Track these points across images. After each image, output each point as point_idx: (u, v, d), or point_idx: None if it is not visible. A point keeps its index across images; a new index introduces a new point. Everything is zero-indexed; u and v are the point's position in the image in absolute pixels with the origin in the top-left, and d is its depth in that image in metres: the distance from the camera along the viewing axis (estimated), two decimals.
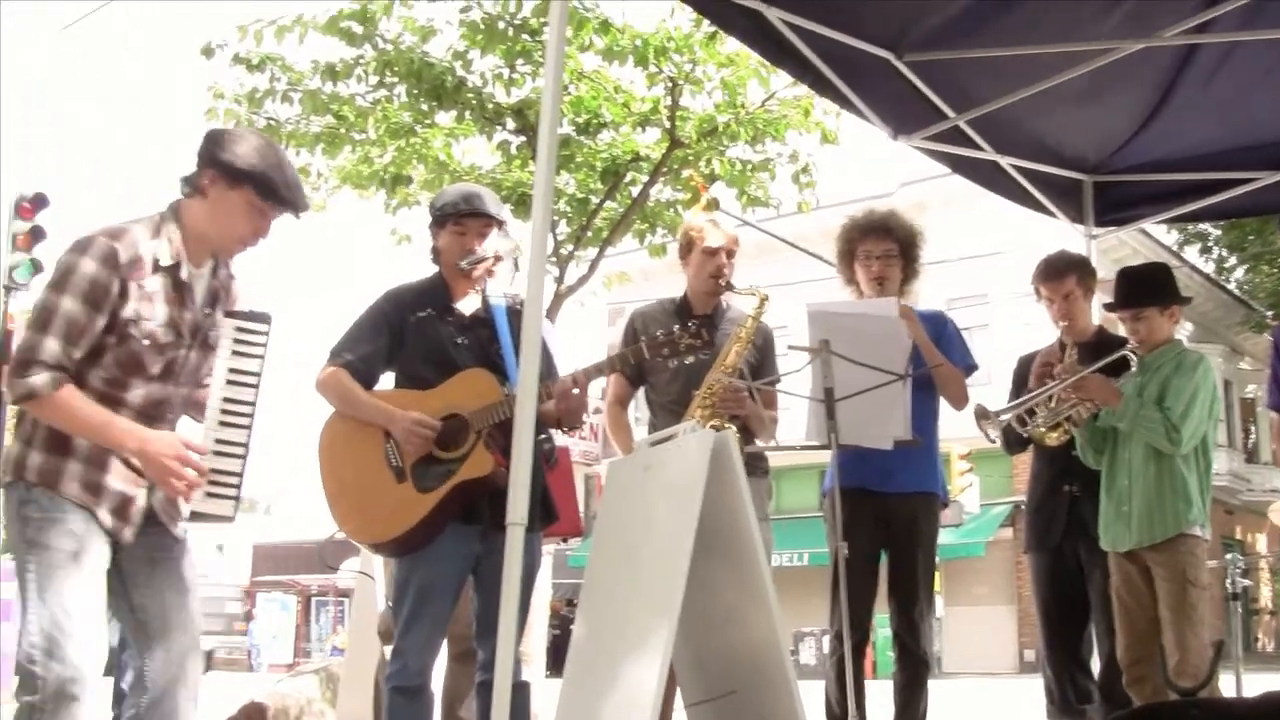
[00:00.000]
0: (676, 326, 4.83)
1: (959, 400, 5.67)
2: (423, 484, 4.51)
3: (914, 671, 5.48)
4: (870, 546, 5.46)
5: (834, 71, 6.03)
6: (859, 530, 5.21)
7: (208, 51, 10.18)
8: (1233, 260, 31.83)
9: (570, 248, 10.74)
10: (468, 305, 4.83)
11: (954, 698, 16.02)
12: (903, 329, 5.19)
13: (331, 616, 42.41)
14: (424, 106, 10.17)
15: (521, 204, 10.24)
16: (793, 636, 24.45)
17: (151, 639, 3.74)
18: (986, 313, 27.46)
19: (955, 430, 6.16)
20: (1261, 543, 34.76)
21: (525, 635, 5.08)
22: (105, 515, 3.65)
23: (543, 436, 4.82)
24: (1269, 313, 30.38)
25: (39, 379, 3.53)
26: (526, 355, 4.04)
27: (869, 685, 5.42)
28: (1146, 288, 5.45)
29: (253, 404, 3.83)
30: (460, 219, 4.75)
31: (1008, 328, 24.49)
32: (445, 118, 10.49)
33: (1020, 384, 5.75)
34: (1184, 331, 27.93)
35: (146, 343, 3.70)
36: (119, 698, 5.51)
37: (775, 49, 5.87)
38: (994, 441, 5.56)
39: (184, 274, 3.81)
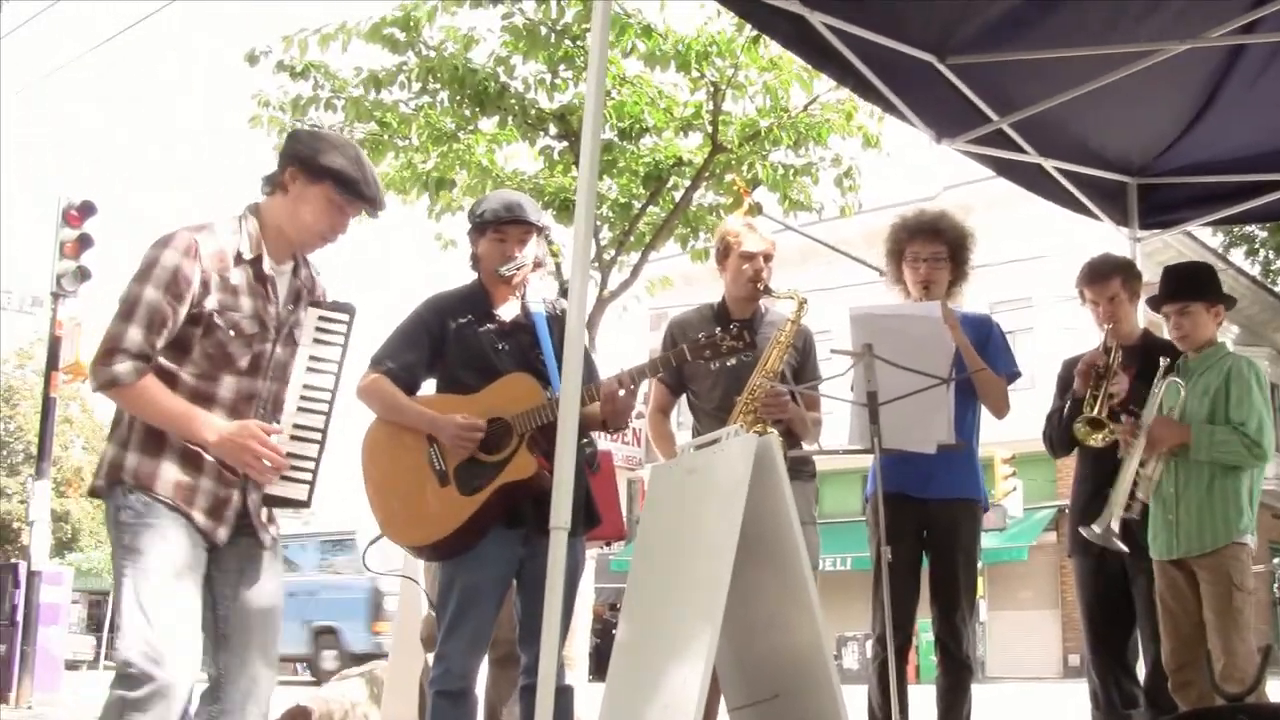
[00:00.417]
0: (718, 329, 4.83)
1: (1000, 408, 5.63)
2: (466, 487, 4.53)
3: (957, 676, 5.46)
4: (912, 551, 5.44)
5: (877, 75, 6.02)
6: (901, 535, 5.19)
7: (252, 59, 10.25)
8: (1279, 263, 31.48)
9: (613, 253, 10.75)
10: (508, 311, 4.86)
11: (998, 702, 15.93)
12: (946, 332, 5.17)
13: None
14: (467, 113, 10.20)
15: (564, 209, 10.26)
16: (835, 641, 24.39)
17: (230, 652, 3.79)
18: (1030, 316, 27.31)
19: (998, 434, 6.12)
20: None
21: (568, 640, 5.09)
22: (199, 516, 3.71)
23: (585, 440, 4.83)
24: None
25: (121, 367, 3.60)
26: (569, 359, 4.06)
27: (912, 690, 5.40)
28: (1193, 284, 5.42)
29: (331, 391, 3.87)
30: (500, 226, 4.78)
31: (1052, 331, 24.33)
32: (488, 124, 10.51)
33: (1065, 387, 5.72)
34: (1230, 334, 27.71)
35: (232, 333, 3.76)
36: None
37: (817, 53, 5.87)
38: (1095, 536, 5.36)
39: (266, 267, 3.87)
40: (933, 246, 5.65)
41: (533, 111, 10.04)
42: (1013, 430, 5.49)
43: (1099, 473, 5.63)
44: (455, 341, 4.75)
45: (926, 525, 5.47)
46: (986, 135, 6.60)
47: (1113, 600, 5.62)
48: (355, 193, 3.86)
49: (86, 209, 15.80)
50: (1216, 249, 29.35)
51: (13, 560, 17.28)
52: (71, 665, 25.78)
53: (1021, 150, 6.76)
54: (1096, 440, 5.41)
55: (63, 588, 17.36)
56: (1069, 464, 6.04)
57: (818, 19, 5.55)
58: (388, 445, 4.68)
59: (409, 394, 4.72)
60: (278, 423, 3.83)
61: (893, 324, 5.15)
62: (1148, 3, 5.48)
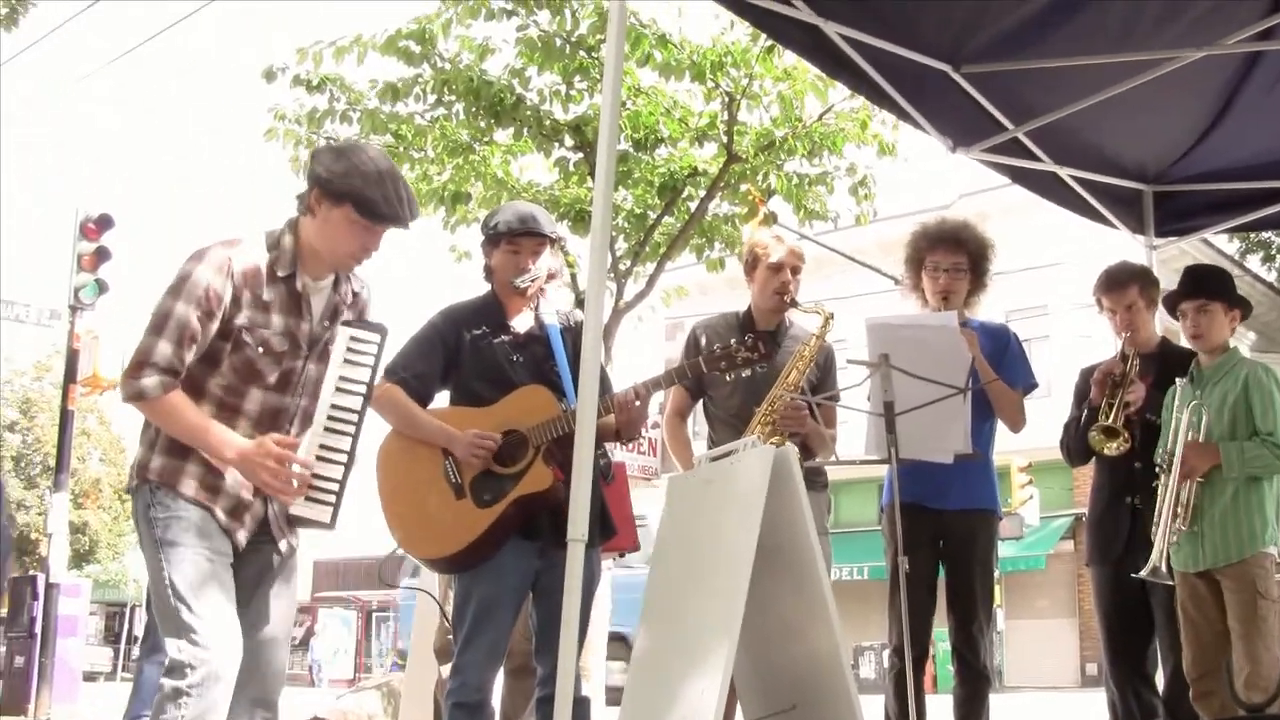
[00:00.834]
0: (734, 340, 4.83)
1: (1016, 421, 5.59)
2: (482, 500, 4.53)
3: (974, 686, 5.44)
4: (928, 562, 5.42)
5: (892, 85, 6.02)
6: (917, 545, 5.18)
7: (269, 75, 10.28)
8: None
9: (628, 264, 10.75)
10: (522, 323, 4.86)
11: (1015, 712, 15.87)
12: (963, 342, 5.15)
13: (392, 632, 42.57)
14: (482, 124, 10.21)
15: (579, 220, 10.27)
16: (852, 650, 24.32)
17: (244, 655, 3.79)
18: (1046, 324, 27.22)
19: (1015, 442, 6.10)
20: None
21: (584, 650, 5.09)
22: (221, 515, 3.75)
23: (599, 452, 4.82)
24: None
25: (149, 381, 3.64)
26: (586, 370, 4.06)
27: (929, 700, 5.38)
28: (1213, 284, 5.41)
29: (358, 412, 3.87)
30: (514, 238, 4.78)
31: (1067, 339, 24.29)
32: (503, 135, 10.53)
33: (1083, 397, 5.69)
34: (1246, 340, 27.60)
35: (260, 350, 3.78)
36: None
37: (832, 63, 5.87)
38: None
39: (299, 285, 3.88)
40: (954, 257, 5.63)
41: (548, 123, 10.04)
42: (1029, 439, 5.46)
43: (1116, 481, 5.62)
44: (470, 353, 4.75)
45: (943, 535, 5.46)
46: (1002, 144, 6.60)
47: (1131, 609, 5.58)
48: (374, 213, 3.82)
49: (104, 222, 15.84)
50: (1233, 255, 29.27)
51: (31, 572, 17.30)
52: (89, 677, 25.85)
53: (1037, 158, 6.75)
54: (1112, 449, 5.39)
55: (81, 599, 17.40)
56: (1085, 473, 6.02)
57: (832, 29, 5.55)
58: (402, 458, 4.68)
59: (422, 405, 4.72)
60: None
61: (909, 334, 5.13)
62: (1164, 10, 5.48)
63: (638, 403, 4.64)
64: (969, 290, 5.70)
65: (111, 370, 15.63)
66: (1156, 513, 5.17)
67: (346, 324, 3.99)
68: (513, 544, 4.54)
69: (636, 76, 10.04)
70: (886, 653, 5.39)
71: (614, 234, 10.41)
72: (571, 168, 10.41)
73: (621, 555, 5.94)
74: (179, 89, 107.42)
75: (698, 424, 5.83)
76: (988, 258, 5.75)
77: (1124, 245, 7.27)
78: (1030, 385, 5.68)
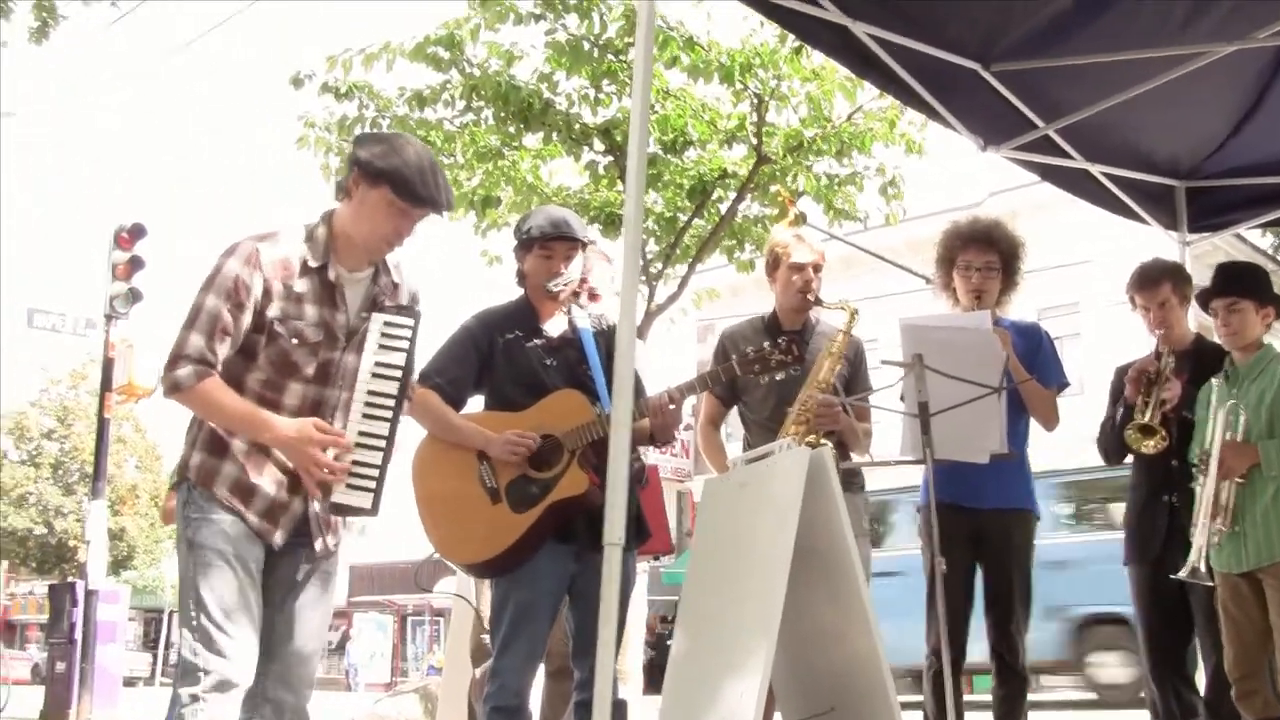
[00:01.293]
0: (767, 343, 4.82)
1: (1050, 420, 5.57)
2: (517, 504, 4.54)
3: (1013, 687, 5.42)
4: (964, 562, 5.40)
5: (922, 84, 6.01)
6: (953, 546, 5.15)
7: (296, 82, 10.35)
8: None
9: (659, 266, 10.77)
10: (555, 327, 4.86)
11: (1053, 713, 15.77)
12: (996, 342, 5.13)
13: (427, 636, 42.76)
14: (511, 129, 10.26)
15: (610, 224, 10.30)
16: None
17: (274, 659, 3.83)
18: (1077, 322, 27.08)
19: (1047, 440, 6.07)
20: None
21: (622, 653, 5.10)
22: (252, 518, 3.76)
23: (633, 455, 4.83)
24: None
25: (183, 371, 3.67)
26: (620, 374, 4.05)
27: (966, 700, 5.37)
28: (1245, 281, 5.37)
29: (395, 397, 3.86)
30: (547, 243, 4.78)
31: (1099, 337, 24.15)
32: (532, 140, 10.57)
33: (1117, 395, 5.67)
34: None
35: (295, 341, 3.80)
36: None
37: (861, 63, 5.86)
38: None
39: (332, 275, 3.89)
40: (986, 256, 5.61)
41: (577, 127, 10.08)
42: (1062, 437, 5.44)
43: (1153, 479, 5.58)
44: (503, 357, 4.76)
45: (980, 536, 5.43)
46: (1033, 142, 6.58)
47: (1170, 609, 5.54)
48: (411, 193, 3.82)
49: (137, 231, 15.92)
50: (1267, 250, 29.06)
51: (70, 579, 17.40)
52: (129, 682, 25.97)
53: (1068, 156, 6.73)
54: (1149, 447, 5.35)
55: (119, 605, 17.49)
56: None
57: (861, 29, 5.54)
58: (437, 463, 4.69)
59: (456, 409, 4.73)
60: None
61: (942, 334, 5.12)
62: (1194, 5, 5.44)
63: (672, 406, 4.64)
64: (1000, 289, 5.67)
65: (147, 378, 15.72)
66: (1195, 512, 5.14)
67: (380, 309, 3.97)
68: (549, 548, 4.55)
69: (665, 79, 10.07)
70: (924, 654, 5.37)
71: (644, 236, 10.44)
72: (601, 171, 10.45)
73: (656, 559, 5.95)
74: (211, 97, 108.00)
75: (730, 427, 5.83)
76: (1019, 257, 5.72)
77: (1156, 241, 7.23)
78: (1063, 384, 5.66)
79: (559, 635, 4.94)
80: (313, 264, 3.86)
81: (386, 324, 3.92)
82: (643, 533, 4.87)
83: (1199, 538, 5.06)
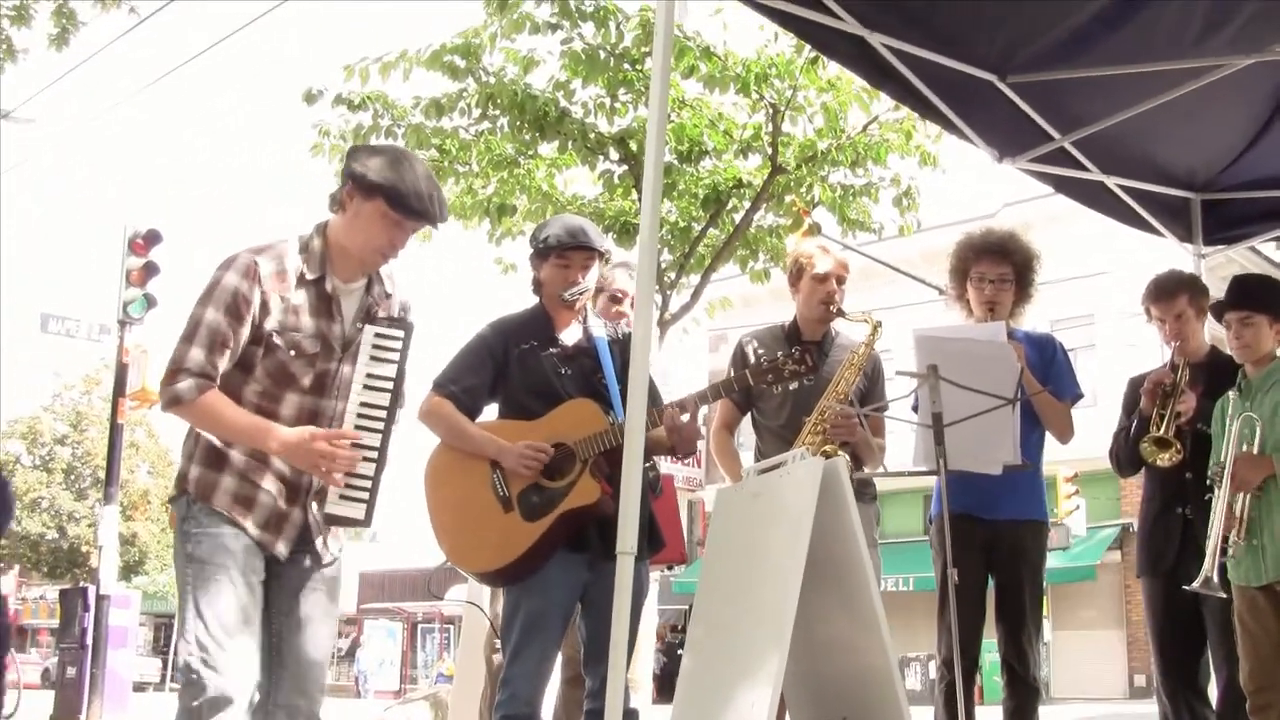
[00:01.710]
0: (781, 353, 4.82)
1: (1064, 432, 5.57)
2: (530, 513, 4.53)
3: (1023, 698, 5.40)
4: (976, 572, 5.39)
5: (938, 95, 6.01)
6: (965, 556, 5.14)
7: (309, 98, 10.36)
8: None
9: (673, 275, 10.77)
10: (570, 336, 4.86)
11: None
12: (1011, 353, 5.13)
13: (437, 644, 42.73)
14: (527, 138, 10.26)
15: (624, 233, 10.30)
16: (899, 662, 24.19)
17: (284, 668, 3.85)
18: (1092, 333, 27.07)
19: (1061, 452, 6.07)
20: None
21: (633, 662, 5.09)
22: (253, 529, 3.77)
23: (648, 464, 4.82)
24: None
25: (183, 385, 3.69)
26: (634, 382, 4.06)
27: (978, 711, 5.35)
28: (1259, 295, 5.36)
29: (387, 409, 3.87)
30: (564, 252, 4.78)
31: (1114, 348, 24.13)
32: (548, 148, 10.58)
33: (1132, 407, 5.66)
34: None
35: (292, 353, 3.82)
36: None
37: (878, 73, 5.87)
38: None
39: (328, 287, 3.91)
40: (999, 268, 5.60)
41: (592, 135, 10.09)
42: (1076, 448, 5.43)
43: (1166, 491, 5.57)
44: (518, 366, 4.75)
45: (992, 546, 5.43)
46: (1049, 153, 6.57)
47: (1183, 621, 5.52)
48: (405, 206, 3.84)
49: (152, 238, 16.00)
50: None
51: (82, 584, 17.45)
52: (139, 687, 26.06)
53: (1084, 168, 6.72)
54: (1164, 459, 5.35)
55: (130, 611, 17.56)
56: (1132, 483, 5.98)
57: (878, 40, 5.55)
58: (450, 471, 4.69)
59: (471, 418, 4.73)
60: None
61: (957, 346, 5.12)
62: (1210, 18, 5.43)
63: (685, 416, 4.64)
64: (1014, 301, 5.67)
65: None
66: (1209, 525, 5.12)
67: (372, 321, 3.99)
68: (561, 556, 4.54)
69: (681, 89, 10.08)
70: (933, 664, 5.36)
71: (659, 246, 10.44)
72: (616, 180, 10.45)
73: (670, 568, 5.95)
74: (227, 104, 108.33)
75: (743, 435, 5.84)
76: (1034, 268, 5.72)
77: (1171, 254, 7.22)
78: (1077, 395, 5.65)
79: (575, 642, 4.94)
80: (309, 276, 3.88)
81: (378, 335, 3.94)
82: (656, 542, 4.87)
83: (1212, 551, 5.04)
